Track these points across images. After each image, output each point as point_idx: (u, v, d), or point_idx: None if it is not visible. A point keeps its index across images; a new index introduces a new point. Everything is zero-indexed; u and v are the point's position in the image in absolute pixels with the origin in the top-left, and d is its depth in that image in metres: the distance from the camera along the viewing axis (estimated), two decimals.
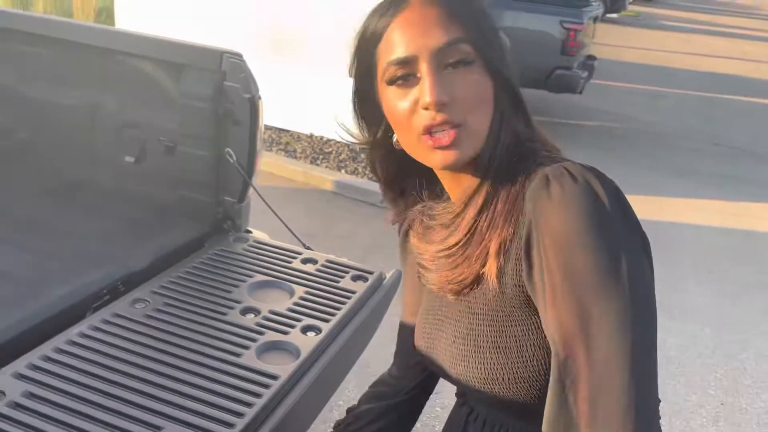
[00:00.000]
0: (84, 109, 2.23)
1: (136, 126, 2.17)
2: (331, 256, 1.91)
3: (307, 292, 1.72)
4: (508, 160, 0.83)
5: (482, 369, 0.83)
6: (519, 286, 0.79)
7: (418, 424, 1.15)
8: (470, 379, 0.86)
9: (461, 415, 0.99)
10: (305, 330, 1.55)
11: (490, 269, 0.81)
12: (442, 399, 2.39)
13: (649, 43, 16.39)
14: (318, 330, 1.55)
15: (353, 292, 1.73)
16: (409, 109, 0.80)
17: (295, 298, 1.69)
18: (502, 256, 0.80)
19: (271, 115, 3.23)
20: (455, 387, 0.96)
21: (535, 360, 0.80)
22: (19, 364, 1.32)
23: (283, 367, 1.40)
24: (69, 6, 7.31)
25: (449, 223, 0.87)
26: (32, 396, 1.24)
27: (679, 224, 4.88)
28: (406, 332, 1.08)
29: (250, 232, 2.15)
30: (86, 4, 6.92)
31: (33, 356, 1.34)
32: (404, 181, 0.95)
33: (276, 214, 2.03)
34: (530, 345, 0.80)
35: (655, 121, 8.07)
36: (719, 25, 20.66)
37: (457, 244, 0.84)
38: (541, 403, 0.76)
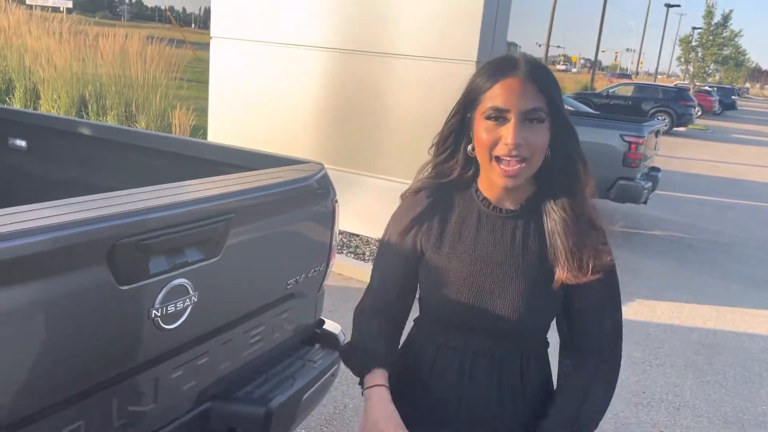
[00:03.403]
0: None
1: None
2: None
3: None
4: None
5: (538, 310, 1.30)
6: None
7: None
8: (523, 316, 1.27)
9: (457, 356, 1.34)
10: None
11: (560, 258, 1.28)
12: None
13: (718, 155, 16.33)
14: None
15: None
16: (493, 141, 1.23)
17: None
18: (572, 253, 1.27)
19: (343, 220, 3.51)
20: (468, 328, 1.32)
21: (557, 310, 1.34)
22: None
23: None
24: (168, 123, 8.17)
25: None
26: None
27: (754, 335, 4.77)
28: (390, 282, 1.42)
29: (324, 322, 2.36)
30: (183, 122, 7.73)
31: None
32: (456, 164, 1.35)
33: None
34: (559, 301, 1.32)
35: (725, 232, 7.99)
36: None
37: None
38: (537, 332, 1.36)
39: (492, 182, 1.30)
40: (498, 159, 1.23)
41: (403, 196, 1.44)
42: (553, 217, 1.29)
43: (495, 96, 1.22)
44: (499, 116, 1.21)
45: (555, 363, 1.42)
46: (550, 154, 1.27)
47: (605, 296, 1.33)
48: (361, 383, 1.34)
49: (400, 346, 1.46)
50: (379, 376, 1.31)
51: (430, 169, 1.40)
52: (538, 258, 1.30)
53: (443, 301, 1.32)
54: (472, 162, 1.34)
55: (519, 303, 1.28)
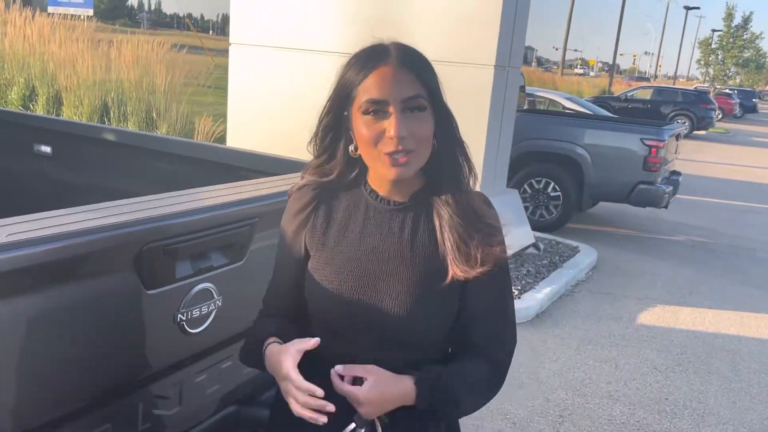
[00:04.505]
0: None
1: None
2: None
3: None
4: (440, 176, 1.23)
5: (427, 306, 1.19)
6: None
7: None
8: (411, 314, 1.17)
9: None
10: None
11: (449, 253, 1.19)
12: None
13: (739, 159, 16.13)
14: None
15: None
16: (376, 135, 1.14)
17: None
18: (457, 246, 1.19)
19: None
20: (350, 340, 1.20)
21: (453, 313, 1.22)
22: None
23: None
24: (189, 129, 8.24)
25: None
26: None
27: None
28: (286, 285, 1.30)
29: None
30: (207, 129, 7.80)
31: None
32: (336, 166, 1.26)
33: None
34: (455, 303, 1.22)
35: (748, 236, 7.88)
36: None
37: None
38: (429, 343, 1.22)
39: (381, 176, 1.22)
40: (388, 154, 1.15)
41: (290, 194, 1.33)
42: (439, 210, 1.22)
43: (369, 88, 1.14)
44: (377, 109, 1.13)
45: None
46: (437, 145, 1.20)
47: (495, 293, 1.24)
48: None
49: None
50: (271, 341, 1.22)
51: (311, 173, 1.30)
52: (429, 253, 1.22)
53: (326, 302, 1.22)
54: (355, 162, 1.25)
55: (408, 299, 1.18)
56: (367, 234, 1.23)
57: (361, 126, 1.15)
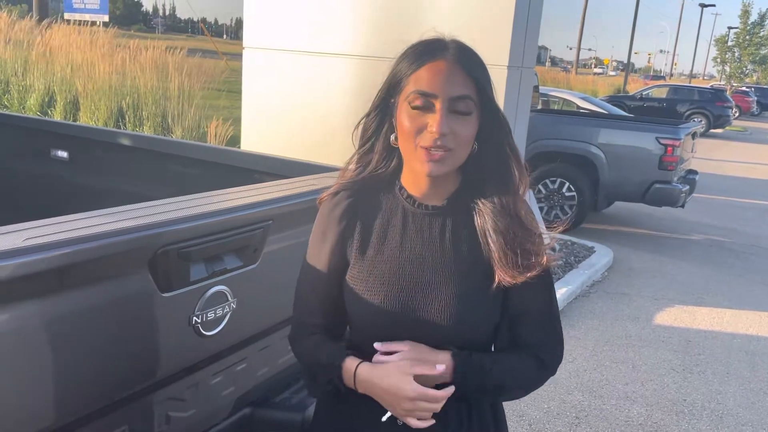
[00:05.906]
0: None
1: None
2: None
3: None
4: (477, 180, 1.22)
5: (476, 313, 1.19)
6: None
7: None
8: (461, 321, 1.16)
9: None
10: None
11: (494, 252, 1.18)
12: None
13: (757, 157, 15.95)
14: None
15: None
16: (418, 128, 1.13)
17: None
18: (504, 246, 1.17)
19: None
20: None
21: (498, 314, 1.21)
22: None
23: None
24: (203, 133, 8.29)
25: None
26: None
27: None
28: (326, 292, 1.27)
29: None
30: (219, 132, 7.84)
31: None
32: (374, 156, 1.25)
33: None
34: (500, 304, 1.21)
35: (765, 236, 7.78)
36: None
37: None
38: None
39: (416, 176, 1.21)
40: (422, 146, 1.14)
41: (320, 200, 1.30)
42: (483, 215, 1.19)
43: (420, 79, 1.13)
44: (424, 102, 1.12)
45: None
46: (477, 148, 1.18)
47: (542, 299, 1.23)
48: (336, 387, 1.22)
49: None
50: (351, 361, 1.19)
51: (354, 164, 1.28)
52: (472, 257, 1.20)
53: (372, 313, 1.19)
54: (393, 153, 1.24)
55: (456, 306, 1.16)
56: (408, 241, 1.21)
57: (404, 117, 1.15)
